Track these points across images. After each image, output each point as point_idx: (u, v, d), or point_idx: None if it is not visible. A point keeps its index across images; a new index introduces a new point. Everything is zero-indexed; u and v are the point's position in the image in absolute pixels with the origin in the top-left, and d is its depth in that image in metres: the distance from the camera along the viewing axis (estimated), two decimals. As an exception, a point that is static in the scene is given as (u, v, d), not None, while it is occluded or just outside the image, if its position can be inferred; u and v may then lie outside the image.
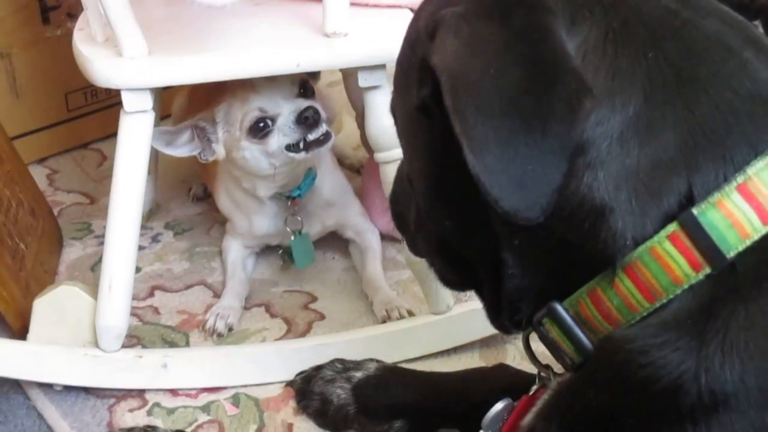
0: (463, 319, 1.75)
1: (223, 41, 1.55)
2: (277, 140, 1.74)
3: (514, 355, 1.74)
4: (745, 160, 0.91)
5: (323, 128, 1.73)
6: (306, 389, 1.64)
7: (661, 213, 0.92)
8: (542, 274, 1.00)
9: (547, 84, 0.89)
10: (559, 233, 0.95)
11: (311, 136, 1.72)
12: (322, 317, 1.86)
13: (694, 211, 0.90)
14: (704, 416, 0.89)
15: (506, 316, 1.07)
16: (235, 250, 1.98)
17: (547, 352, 1.05)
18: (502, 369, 1.58)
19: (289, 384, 1.68)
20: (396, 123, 1.14)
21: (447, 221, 1.05)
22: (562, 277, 0.99)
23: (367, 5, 1.64)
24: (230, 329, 1.83)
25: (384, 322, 1.81)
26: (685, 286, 0.91)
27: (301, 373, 1.67)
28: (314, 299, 1.91)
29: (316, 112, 1.72)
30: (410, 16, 1.60)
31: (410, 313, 1.82)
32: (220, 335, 1.82)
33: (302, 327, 1.84)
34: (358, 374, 1.62)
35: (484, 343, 1.77)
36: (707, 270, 0.91)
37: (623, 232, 0.92)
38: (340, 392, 1.60)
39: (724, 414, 0.89)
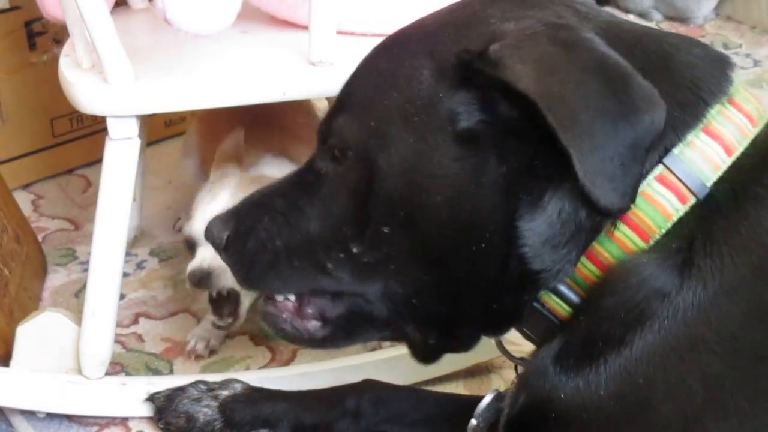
0: (448, 348, 1.74)
1: (209, 69, 1.55)
2: None
3: (498, 384, 1.74)
4: (701, 112, 1.07)
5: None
6: (169, 407, 1.64)
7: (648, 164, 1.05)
8: (549, 255, 1.08)
9: (623, 88, 1.01)
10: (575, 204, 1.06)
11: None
12: (307, 345, 1.86)
13: (675, 151, 1.05)
14: (680, 308, 1.01)
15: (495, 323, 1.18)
16: None
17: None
18: (369, 383, 1.61)
19: (149, 399, 1.67)
20: (379, 163, 1.12)
21: (453, 250, 1.11)
22: (564, 249, 1.08)
23: (353, 34, 1.64)
24: (212, 351, 1.83)
25: (373, 348, 1.81)
26: (675, 219, 1.05)
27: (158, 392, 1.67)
28: (299, 327, 1.90)
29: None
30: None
31: (398, 338, 1.81)
32: (200, 357, 1.82)
33: (287, 355, 1.83)
34: (225, 392, 1.63)
35: (468, 372, 1.77)
36: (692, 201, 1.05)
37: None
38: (207, 410, 1.61)
39: (702, 304, 1.00)
